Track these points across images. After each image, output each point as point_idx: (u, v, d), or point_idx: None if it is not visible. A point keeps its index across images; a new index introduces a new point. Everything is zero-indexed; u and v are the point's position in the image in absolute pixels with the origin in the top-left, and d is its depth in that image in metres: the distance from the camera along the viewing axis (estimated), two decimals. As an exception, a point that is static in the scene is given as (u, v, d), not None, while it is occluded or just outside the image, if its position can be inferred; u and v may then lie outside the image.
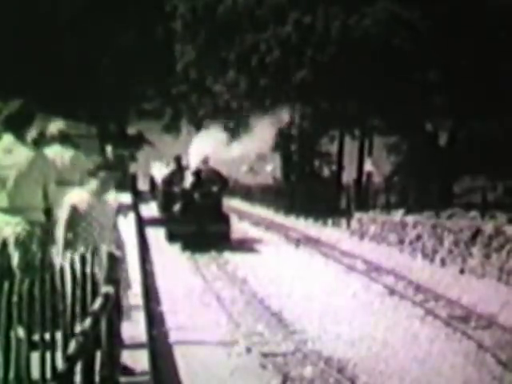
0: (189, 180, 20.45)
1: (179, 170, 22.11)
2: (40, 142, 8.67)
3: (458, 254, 16.39)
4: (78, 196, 6.44)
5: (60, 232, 6.29)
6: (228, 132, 23.55)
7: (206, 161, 20.66)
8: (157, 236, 21.35)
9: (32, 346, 4.13)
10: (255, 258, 18.52)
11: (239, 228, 24.14)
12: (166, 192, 21.93)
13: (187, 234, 19.47)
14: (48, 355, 4.09)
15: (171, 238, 20.07)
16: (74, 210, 6.30)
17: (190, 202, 20.03)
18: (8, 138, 5.80)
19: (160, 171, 27.79)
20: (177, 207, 20.37)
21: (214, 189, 20.51)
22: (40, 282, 4.16)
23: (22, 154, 5.76)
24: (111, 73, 38.52)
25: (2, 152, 5.76)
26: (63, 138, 8.37)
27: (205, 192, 20.19)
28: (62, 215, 6.30)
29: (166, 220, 21.29)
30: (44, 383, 4.07)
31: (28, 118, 5.97)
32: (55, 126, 8.46)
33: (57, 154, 8.12)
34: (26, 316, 4.04)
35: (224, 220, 20.36)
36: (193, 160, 20.99)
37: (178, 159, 23.02)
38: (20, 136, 5.83)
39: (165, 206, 21.71)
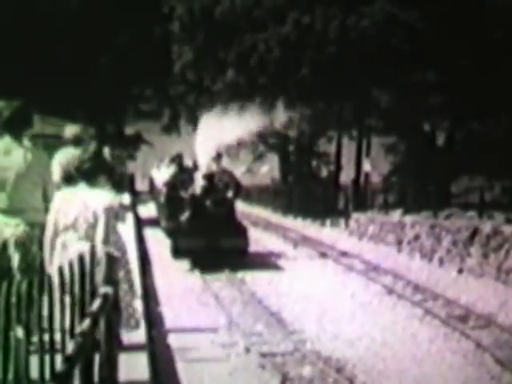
0: (199, 184, 17.28)
1: (184, 171, 19.34)
2: (37, 142, 8.79)
3: (456, 254, 16.41)
4: (109, 198, 6.20)
5: (100, 230, 5.96)
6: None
7: (218, 159, 17.55)
8: (155, 235, 21.32)
9: (29, 351, 4.12)
10: (253, 258, 18.50)
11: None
12: (171, 197, 18.66)
13: (196, 250, 16.46)
14: (47, 356, 4.09)
15: (177, 253, 16.97)
16: (110, 211, 6.09)
17: (201, 210, 16.93)
18: (6, 140, 5.81)
19: (160, 172, 25.06)
20: (184, 216, 17.21)
21: (229, 195, 17.27)
22: (39, 283, 4.16)
23: (20, 155, 5.76)
24: (109, 73, 38.51)
25: (0, 154, 5.77)
26: (77, 141, 8.60)
27: (218, 199, 17.00)
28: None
29: (170, 231, 18.02)
30: (43, 384, 4.07)
31: (26, 119, 5.98)
32: (70, 130, 8.75)
33: (69, 156, 8.41)
34: (25, 317, 4.04)
35: (241, 233, 17.12)
36: (202, 158, 17.91)
37: (179, 158, 20.31)
38: (18, 137, 5.83)
39: (170, 215, 18.51)
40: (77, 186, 6.09)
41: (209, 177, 17.26)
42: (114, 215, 6.20)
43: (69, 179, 6.53)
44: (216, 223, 16.58)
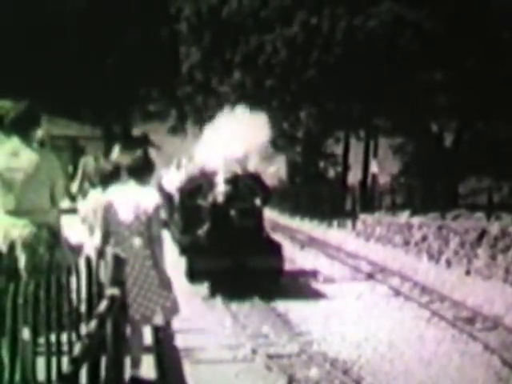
0: (221, 190, 14.16)
1: (202, 174, 15.93)
2: (46, 143, 8.78)
3: (463, 256, 16.36)
4: (158, 197, 6.62)
5: (153, 227, 6.35)
6: None
7: (244, 160, 14.70)
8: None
9: (36, 352, 4.12)
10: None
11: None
12: (187, 206, 15.56)
13: (218, 271, 13.19)
14: (54, 357, 4.09)
15: (194, 276, 13.53)
16: (159, 210, 6.53)
17: (224, 222, 13.78)
18: (14, 141, 5.81)
19: (169, 174, 22.54)
20: (203, 230, 14.12)
21: (257, 203, 14.27)
22: (46, 284, 4.16)
23: (28, 156, 5.77)
24: (116, 74, 38.57)
25: (9, 155, 5.78)
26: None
27: (245, 208, 13.96)
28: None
29: (185, 248, 14.70)
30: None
31: (34, 120, 5.99)
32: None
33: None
34: (32, 318, 4.04)
35: (274, 249, 13.79)
36: (219, 159, 14.52)
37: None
38: (26, 138, 5.84)
39: (185, 227, 15.48)
40: (128, 184, 6.50)
41: (233, 181, 14.20)
42: (160, 213, 6.60)
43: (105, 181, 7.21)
44: (243, 238, 13.40)
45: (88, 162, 12.94)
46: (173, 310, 6.47)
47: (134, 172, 6.47)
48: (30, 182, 5.72)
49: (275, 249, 13.82)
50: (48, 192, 5.80)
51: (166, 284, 6.40)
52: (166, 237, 20.58)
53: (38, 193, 5.76)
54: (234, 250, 13.24)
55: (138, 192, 6.39)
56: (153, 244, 6.33)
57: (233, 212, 13.83)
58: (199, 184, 15.29)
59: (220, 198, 14.05)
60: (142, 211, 6.28)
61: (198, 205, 14.79)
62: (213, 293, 13.27)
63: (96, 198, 7.52)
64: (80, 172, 11.41)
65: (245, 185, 14.34)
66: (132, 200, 6.31)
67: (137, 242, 6.26)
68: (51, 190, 5.82)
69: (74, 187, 9.92)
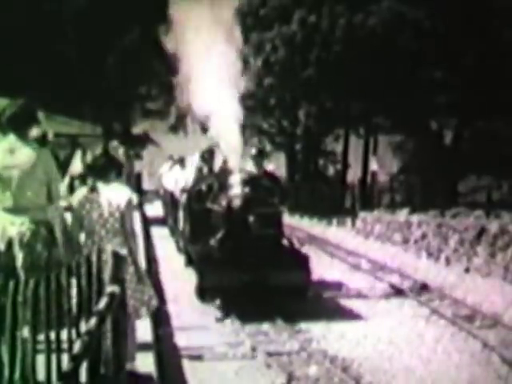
0: (236, 192, 11.84)
1: (211, 173, 14.12)
2: (45, 141, 8.79)
3: (463, 253, 16.38)
4: (128, 192, 6.70)
5: (126, 223, 6.44)
6: None
7: (260, 156, 13.24)
8: (159, 234, 21.24)
9: (36, 350, 4.13)
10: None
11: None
12: (196, 211, 13.28)
13: (235, 289, 11.07)
14: (53, 355, 4.10)
15: (205, 294, 11.33)
16: (131, 205, 6.62)
17: (241, 229, 11.56)
18: (11, 138, 5.82)
19: (172, 173, 20.46)
20: (216, 239, 11.70)
21: (278, 207, 12.66)
22: (45, 282, 4.17)
23: (25, 153, 5.78)
24: (116, 72, 38.55)
25: (5, 152, 5.78)
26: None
27: (266, 214, 11.87)
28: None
29: (195, 261, 12.35)
30: (49, 383, 4.08)
31: (30, 117, 6.00)
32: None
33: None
34: (31, 315, 4.05)
35: (299, 262, 11.64)
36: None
37: (210, 154, 14.50)
38: (22, 135, 5.85)
39: (194, 235, 13.08)
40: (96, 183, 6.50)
41: (251, 182, 12.07)
42: (132, 208, 6.70)
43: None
44: (263, 249, 11.31)
45: (76, 161, 12.90)
46: (150, 303, 6.54)
47: (94, 171, 6.54)
48: (26, 179, 5.73)
49: (301, 261, 11.70)
50: (45, 189, 5.81)
51: (143, 279, 6.47)
52: (169, 244, 20.42)
53: (35, 190, 5.76)
54: (253, 263, 11.11)
55: (107, 189, 6.41)
56: (129, 240, 6.36)
57: (251, 218, 11.60)
58: (209, 184, 13.35)
59: (236, 202, 11.79)
60: (114, 208, 6.31)
61: (208, 209, 12.65)
62: (227, 313, 11.18)
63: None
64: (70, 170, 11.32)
65: (262, 186, 12.40)
66: (103, 198, 6.35)
67: (114, 240, 6.25)
68: (48, 188, 5.83)
69: (63, 186, 9.85)
